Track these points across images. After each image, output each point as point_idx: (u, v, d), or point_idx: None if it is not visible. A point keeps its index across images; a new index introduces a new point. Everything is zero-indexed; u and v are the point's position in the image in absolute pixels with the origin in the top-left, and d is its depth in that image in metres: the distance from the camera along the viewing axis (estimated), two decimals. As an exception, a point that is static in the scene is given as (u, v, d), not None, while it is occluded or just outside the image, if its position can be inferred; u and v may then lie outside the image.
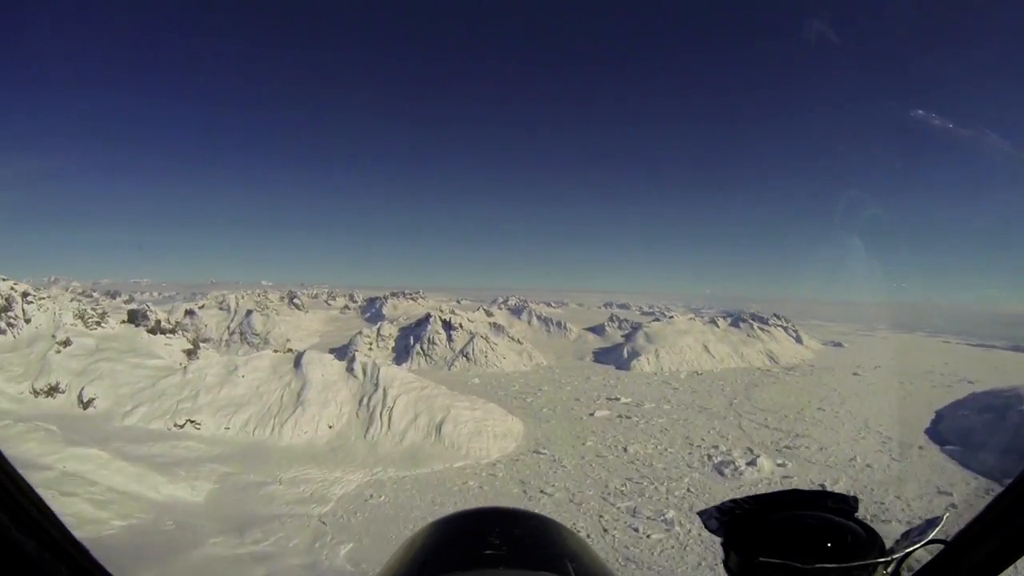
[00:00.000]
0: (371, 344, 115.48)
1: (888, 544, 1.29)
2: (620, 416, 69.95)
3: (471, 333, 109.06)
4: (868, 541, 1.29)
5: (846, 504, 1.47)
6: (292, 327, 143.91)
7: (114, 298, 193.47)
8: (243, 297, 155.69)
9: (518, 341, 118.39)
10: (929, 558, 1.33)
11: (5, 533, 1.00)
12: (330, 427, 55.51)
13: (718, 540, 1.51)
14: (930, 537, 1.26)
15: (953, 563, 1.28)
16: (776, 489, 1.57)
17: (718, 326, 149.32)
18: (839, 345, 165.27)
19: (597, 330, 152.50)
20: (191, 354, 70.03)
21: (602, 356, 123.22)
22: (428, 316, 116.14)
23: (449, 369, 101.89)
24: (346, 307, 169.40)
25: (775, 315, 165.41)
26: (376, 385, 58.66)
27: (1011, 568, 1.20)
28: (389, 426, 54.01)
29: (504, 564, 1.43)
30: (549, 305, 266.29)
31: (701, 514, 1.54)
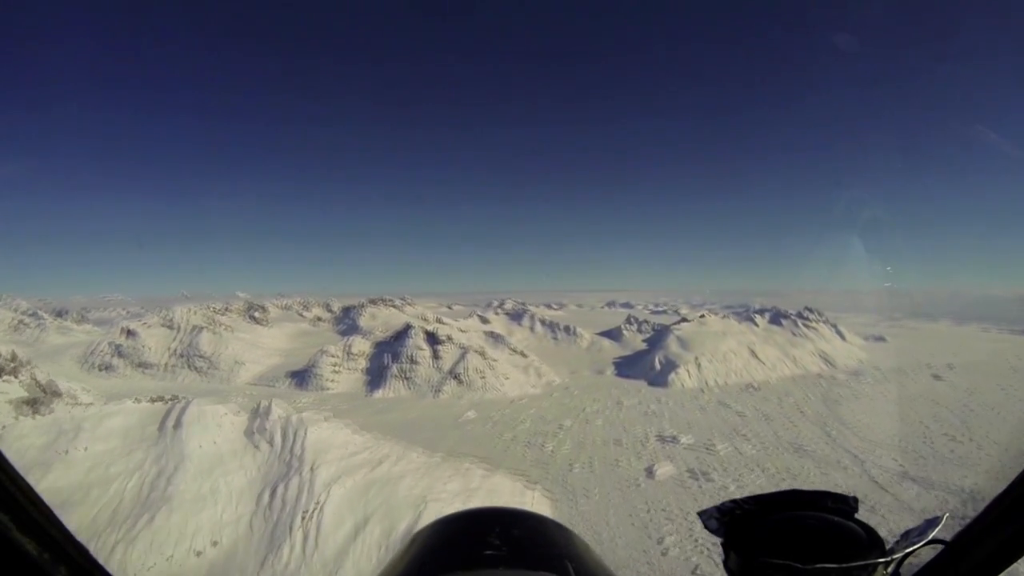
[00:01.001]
0: (337, 365, 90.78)
1: (888, 544, 1.28)
2: (692, 474, 45.80)
3: (462, 347, 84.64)
4: (868, 541, 1.29)
5: (846, 504, 1.46)
6: (248, 346, 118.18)
7: (61, 316, 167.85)
8: (192, 312, 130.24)
9: (522, 354, 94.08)
10: (929, 558, 1.33)
11: (5, 533, 0.99)
12: (214, 544, 30.69)
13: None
14: (930, 537, 1.26)
15: (953, 563, 1.28)
16: None
17: (757, 324, 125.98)
18: (881, 339, 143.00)
19: (612, 335, 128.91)
20: (27, 408, 44.76)
21: (626, 368, 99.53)
22: (408, 327, 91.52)
23: (435, 396, 77.55)
24: (318, 319, 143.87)
25: (807, 309, 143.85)
26: (298, 460, 33.73)
27: (1011, 568, 1.20)
28: (316, 544, 29.25)
29: (504, 564, 1.42)
30: (549, 307, 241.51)
31: (701, 514, 1.52)
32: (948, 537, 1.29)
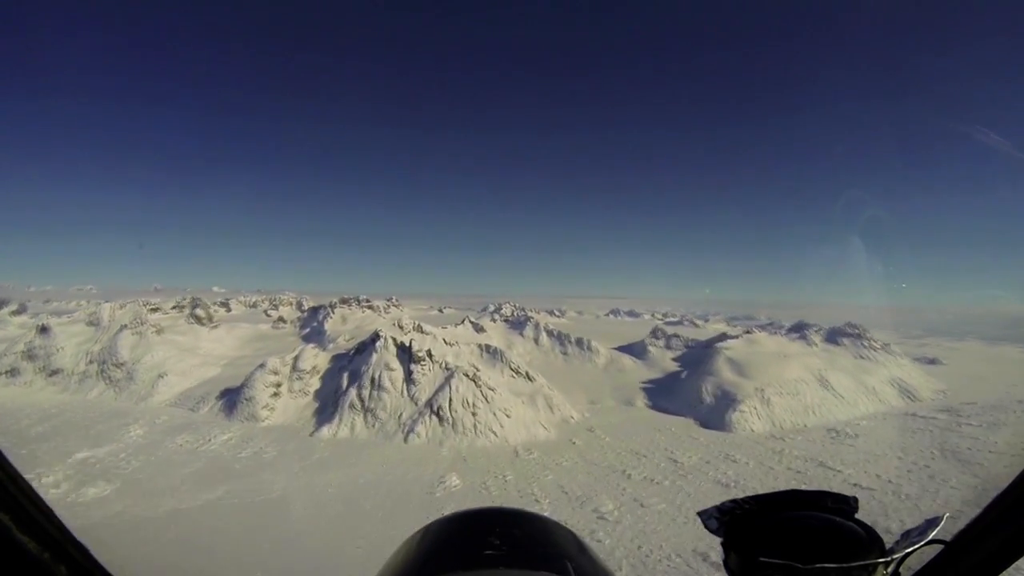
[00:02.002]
0: (278, 387, 66.68)
1: (888, 544, 1.28)
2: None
3: (447, 368, 60.75)
4: (868, 541, 1.29)
5: (846, 504, 1.45)
6: (182, 352, 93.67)
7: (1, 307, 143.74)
8: (122, 308, 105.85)
9: (527, 376, 70.20)
10: (929, 558, 1.34)
11: (6, 533, 0.99)
12: None
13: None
14: (930, 537, 1.25)
15: (953, 563, 1.28)
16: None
17: (814, 344, 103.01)
18: (935, 362, 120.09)
19: (635, 351, 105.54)
20: None
21: (662, 398, 75.88)
22: (375, 338, 67.41)
23: (406, 439, 53.37)
24: (281, 320, 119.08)
25: (850, 324, 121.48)
26: None
27: (1011, 568, 1.19)
28: None
29: (504, 564, 1.41)
30: (552, 314, 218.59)
31: (701, 514, 1.52)
32: (948, 537, 1.28)
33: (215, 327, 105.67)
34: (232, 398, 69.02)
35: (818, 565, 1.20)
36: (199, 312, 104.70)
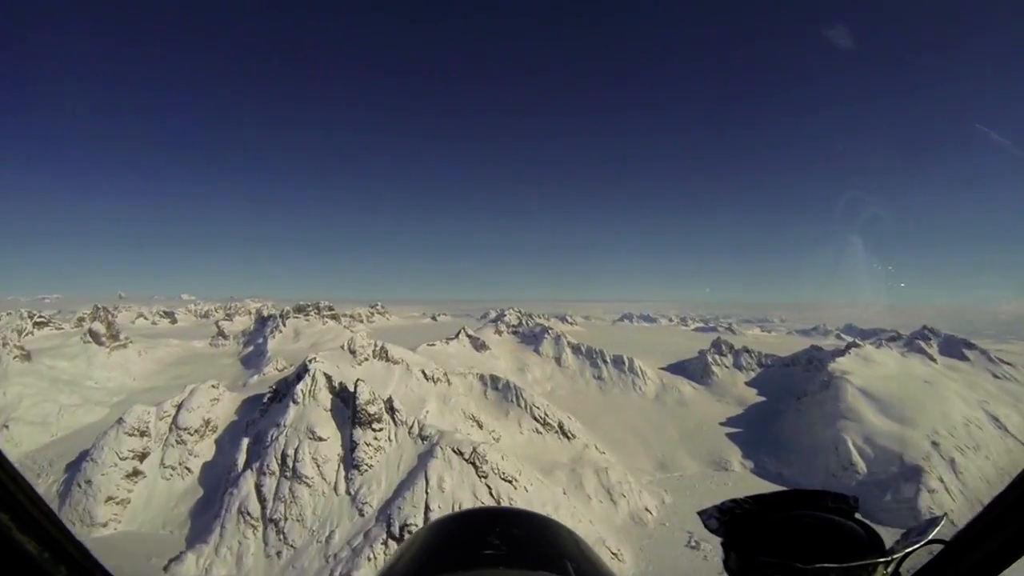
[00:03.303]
0: (143, 458, 38.97)
1: (888, 544, 1.27)
2: None
3: (423, 433, 33.16)
4: (868, 541, 1.28)
5: (846, 504, 1.44)
6: (59, 384, 66.39)
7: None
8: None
9: (561, 430, 42.75)
10: (929, 558, 1.32)
11: (6, 533, 0.98)
12: None
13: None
14: (930, 537, 1.25)
15: (953, 563, 1.27)
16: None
17: (934, 360, 75.61)
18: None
19: (691, 371, 77.21)
20: None
21: (772, 454, 46.53)
22: (300, 373, 39.42)
23: (340, 590, 26.42)
24: (221, 335, 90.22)
25: (927, 328, 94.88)
26: None
27: (1011, 568, 1.19)
28: None
29: (503, 564, 1.41)
30: (564, 321, 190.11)
31: (701, 514, 1.50)
32: (948, 537, 1.28)
33: (119, 347, 77.30)
34: (74, 475, 41.27)
35: (818, 565, 1.20)
36: (97, 328, 76.30)
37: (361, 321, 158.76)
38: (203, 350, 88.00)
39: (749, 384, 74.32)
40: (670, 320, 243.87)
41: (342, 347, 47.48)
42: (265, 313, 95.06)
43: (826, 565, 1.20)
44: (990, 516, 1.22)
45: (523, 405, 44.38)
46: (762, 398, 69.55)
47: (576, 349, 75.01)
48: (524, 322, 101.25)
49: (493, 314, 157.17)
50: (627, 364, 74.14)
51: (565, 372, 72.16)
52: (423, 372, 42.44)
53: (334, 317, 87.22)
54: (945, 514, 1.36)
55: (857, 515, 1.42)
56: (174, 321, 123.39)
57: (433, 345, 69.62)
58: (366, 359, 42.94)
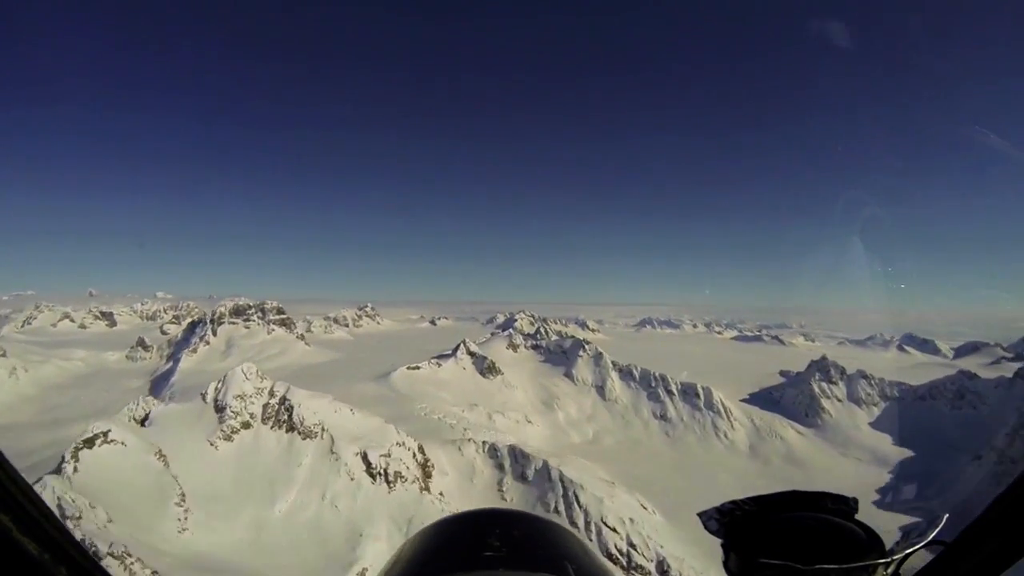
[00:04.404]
0: None
1: (888, 545, 1.26)
2: None
3: None
4: (868, 542, 1.27)
5: (846, 505, 1.43)
6: None
7: None
8: None
9: None
10: (929, 558, 1.32)
11: (6, 534, 0.97)
12: None
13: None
14: (930, 537, 1.25)
15: (953, 563, 1.27)
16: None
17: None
18: None
19: (786, 405, 54.24)
20: None
21: None
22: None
23: None
24: (141, 345, 67.77)
25: None
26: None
27: (1011, 568, 1.19)
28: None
29: (503, 566, 1.40)
30: (585, 327, 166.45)
31: (701, 515, 1.50)
32: (948, 537, 1.27)
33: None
34: None
35: (818, 566, 1.19)
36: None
37: (347, 325, 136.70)
38: (114, 365, 65.33)
39: (875, 426, 51.21)
40: (694, 326, 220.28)
41: (203, 397, 25.03)
42: (196, 317, 73.02)
43: (826, 566, 1.19)
44: (990, 516, 1.21)
45: (590, 524, 21.70)
46: (906, 451, 46.37)
47: (626, 373, 51.97)
48: (542, 330, 78.53)
49: (501, 318, 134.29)
50: (702, 397, 50.87)
51: (612, 408, 49.23)
52: (363, 459, 20.17)
53: (284, 323, 64.38)
54: (945, 514, 1.31)
55: (857, 516, 1.39)
56: (113, 324, 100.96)
57: (416, 368, 47.12)
58: (245, 426, 20.84)
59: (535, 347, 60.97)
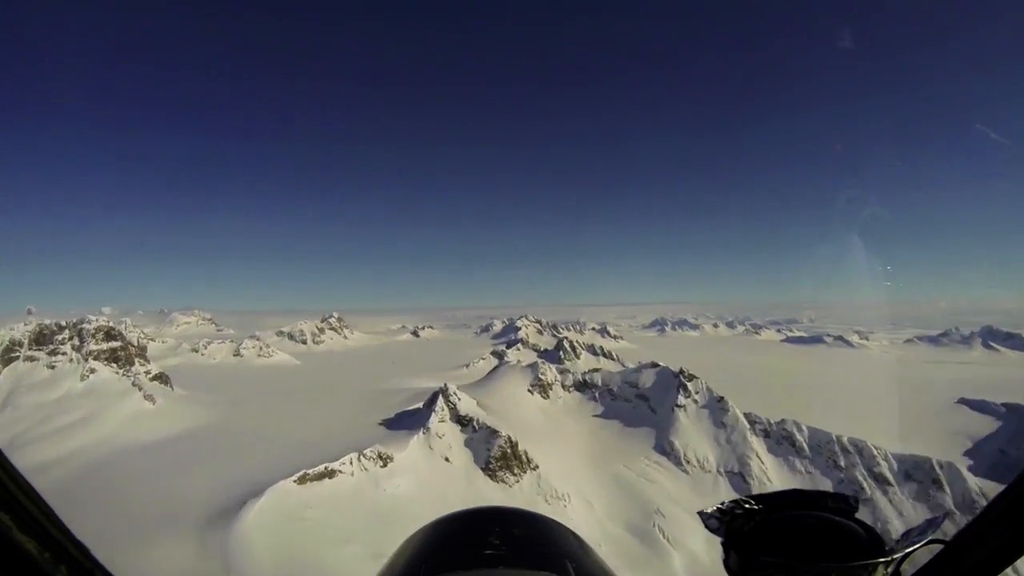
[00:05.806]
0: None
1: (888, 544, 1.27)
2: None
3: None
4: (868, 541, 1.28)
5: (846, 504, 1.44)
6: None
7: None
8: None
9: None
10: (929, 558, 1.34)
11: (6, 533, 0.97)
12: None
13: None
14: (930, 537, 1.25)
15: (953, 563, 1.27)
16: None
17: None
18: None
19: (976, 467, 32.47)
20: None
21: None
22: None
23: None
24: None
25: None
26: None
27: (1011, 568, 1.20)
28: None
29: (504, 564, 1.41)
30: (605, 334, 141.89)
31: (701, 514, 1.50)
32: (948, 537, 1.29)
33: None
34: None
35: (818, 565, 1.20)
36: None
37: (303, 342, 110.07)
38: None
39: None
40: (715, 326, 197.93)
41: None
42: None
43: (826, 565, 1.20)
44: (990, 516, 1.21)
45: None
46: None
47: (779, 437, 27.65)
48: (566, 346, 54.42)
49: (499, 326, 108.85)
50: (859, 458, 26.67)
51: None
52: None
53: (116, 357, 36.98)
54: (945, 514, 1.12)
55: (857, 515, 1.40)
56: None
57: (317, 479, 22.82)
58: None
59: (581, 387, 34.63)
